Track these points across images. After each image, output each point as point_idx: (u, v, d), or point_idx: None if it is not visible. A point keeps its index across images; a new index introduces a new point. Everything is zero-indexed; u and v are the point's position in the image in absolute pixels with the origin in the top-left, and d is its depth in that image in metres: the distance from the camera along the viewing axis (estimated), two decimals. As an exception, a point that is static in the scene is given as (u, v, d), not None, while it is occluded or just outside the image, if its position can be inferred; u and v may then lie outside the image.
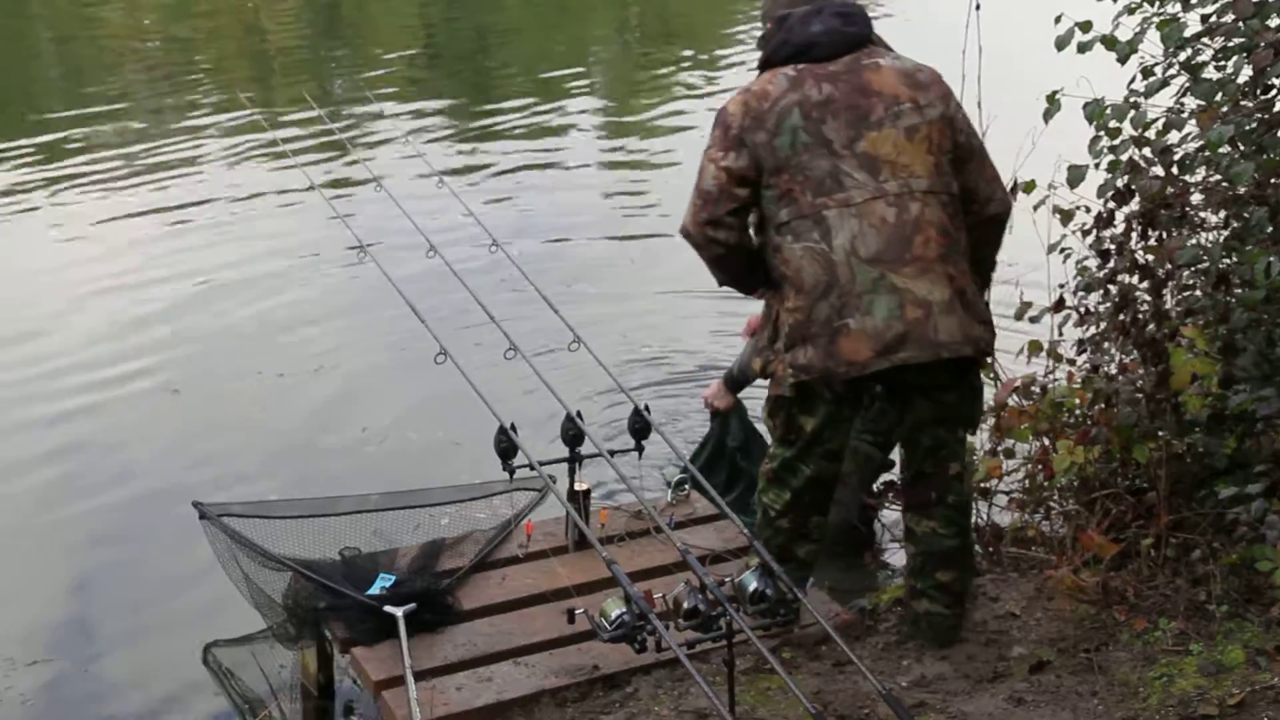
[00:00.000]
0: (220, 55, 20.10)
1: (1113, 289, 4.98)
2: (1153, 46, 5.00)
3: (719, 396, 6.15)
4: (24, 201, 12.02)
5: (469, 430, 6.35)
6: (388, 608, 4.61)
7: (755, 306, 4.76)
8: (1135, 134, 4.93)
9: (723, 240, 4.38)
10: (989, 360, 4.57)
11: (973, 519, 5.03)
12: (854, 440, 5.64)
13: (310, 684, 5.05)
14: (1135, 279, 4.90)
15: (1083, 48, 4.98)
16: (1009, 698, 4.22)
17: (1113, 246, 4.97)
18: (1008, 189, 5.17)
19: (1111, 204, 4.96)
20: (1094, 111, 4.92)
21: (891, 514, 5.79)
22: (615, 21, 24.61)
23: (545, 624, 4.70)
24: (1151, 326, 4.84)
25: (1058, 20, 5.05)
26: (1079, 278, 5.19)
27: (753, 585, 4.04)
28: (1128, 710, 4.09)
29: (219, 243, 10.69)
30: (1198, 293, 5.02)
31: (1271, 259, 4.37)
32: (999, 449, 5.39)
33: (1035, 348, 5.40)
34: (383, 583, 4.79)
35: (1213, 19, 4.95)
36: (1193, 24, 5.00)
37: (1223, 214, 5.02)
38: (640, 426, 5.09)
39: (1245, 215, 4.78)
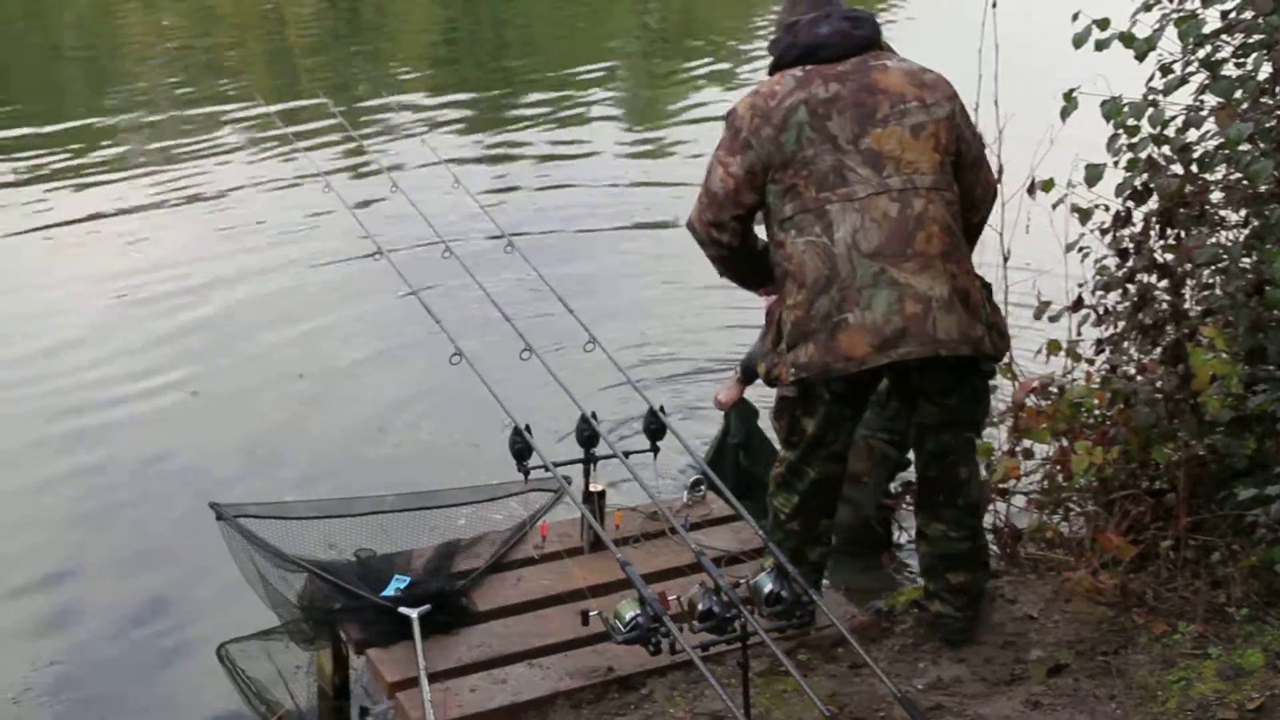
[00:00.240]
0: (241, 57, 20.13)
1: (1131, 288, 4.95)
2: (1171, 44, 4.96)
3: (725, 390, 6.11)
4: (43, 206, 12.02)
5: (486, 431, 6.36)
6: (402, 609, 4.60)
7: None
8: (1154, 132, 4.90)
9: (725, 242, 4.50)
10: (996, 364, 4.51)
11: (989, 520, 5.01)
12: (871, 439, 5.65)
13: (326, 685, 5.04)
14: (1154, 278, 4.86)
15: (1100, 45, 4.94)
16: (1026, 701, 4.19)
17: (1131, 245, 4.93)
18: (1025, 187, 5.18)
19: (1129, 203, 4.93)
20: (1112, 110, 4.88)
21: (909, 514, 5.76)
22: (635, 20, 24.59)
23: (560, 625, 4.68)
24: (1171, 326, 4.81)
25: (1075, 18, 5.01)
26: (1098, 277, 5.16)
27: (768, 587, 4.02)
28: (1146, 714, 4.07)
29: (237, 245, 10.69)
30: (1218, 291, 4.98)
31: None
32: (1017, 449, 5.35)
33: (1054, 347, 5.36)
34: (397, 584, 4.78)
35: (1232, 15, 4.92)
36: (1212, 20, 4.97)
37: (1243, 212, 4.98)
38: (655, 427, 5.06)
39: (1265, 213, 4.74)
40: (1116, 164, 5.00)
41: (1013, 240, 5.37)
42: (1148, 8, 5.06)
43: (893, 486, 5.94)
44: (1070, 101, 4.97)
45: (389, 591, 4.75)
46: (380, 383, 8.07)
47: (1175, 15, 4.98)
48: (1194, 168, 4.84)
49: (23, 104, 16.17)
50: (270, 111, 11.62)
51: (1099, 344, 5.20)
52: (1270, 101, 4.71)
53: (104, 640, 5.67)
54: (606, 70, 18.77)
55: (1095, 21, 4.96)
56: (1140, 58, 4.95)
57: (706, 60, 18.99)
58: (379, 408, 7.74)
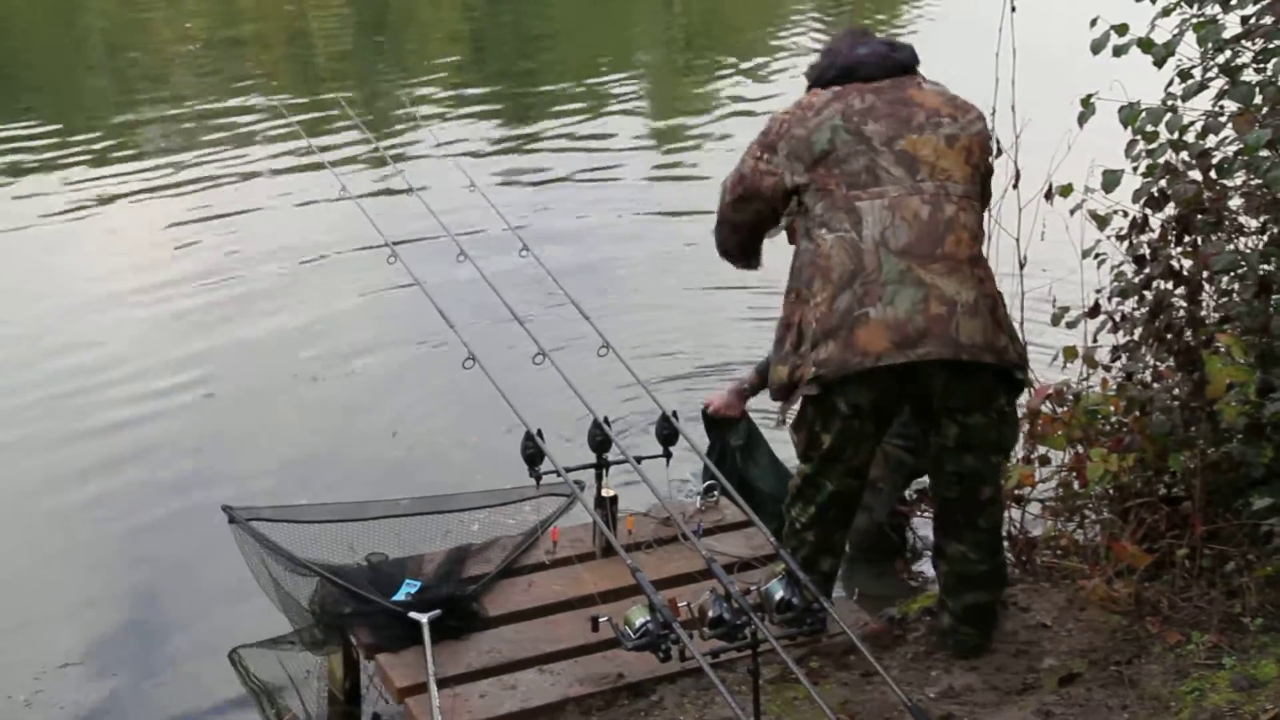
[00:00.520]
0: (263, 60, 20.16)
1: (1148, 295, 4.93)
2: (1190, 49, 4.94)
3: (729, 404, 6.02)
4: (66, 206, 12.06)
5: (500, 435, 6.33)
6: (413, 614, 4.60)
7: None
8: (1172, 138, 4.88)
9: (738, 221, 4.73)
10: (1022, 380, 4.44)
11: (1005, 529, 4.99)
12: (886, 445, 5.63)
13: (337, 690, 5.03)
14: (1170, 285, 4.85)
15: (1118, 51, 4.93)
16: (1037, 710, 4.17)
17: (1148, 252, 4.92)
18: (1043, 193, 5.18)
19: (1147, 209, 4.91)
20: (1129, 116, 4.86)
21: (924, 521, 5.75)
22: (660, 24, 24.58)
23: (571, 631, 4.68)
24: (1188, 333, 4.79)
25: (1093, 23, 5.00)
26: (1115, 283, 5.14)
27: (779, 594, 4.01)
28: (1158, 724, 4.06)
29: (252, 248, 10.70)
30: (1236, 298, 4.96)
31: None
32: (1032, 456, 5.34)
33: (1070, 354, 5.34)
34: (408, 589, 4.79)
35: (1252, 20, 4.90)
36: (1231, 26, 4.95)
37: (1263, 218, 4.96)
38: (668, 433, 5.06)
39: (1284, 220, 4.73)
40: (1136, 170, 4.98)
41: (1029, 246, 5.35)
42: (1166, 13, 5.05)
43: (908, 493, 5.92)
44: (1088, 107, 4.97)
45: (400, 596, 4.75)
46: (394, 386, 8.07)
47: (1194, 20, 4.96)
48: (1213, 174, 4.83)
49: (46, 103, 16.19)
50: (290, 116, 11.66)
51: (1115, 351, 5.18)
52: (1290, 107, 4.68)
53: (115, 642, 5.68)
54: (628, 71, 18.77)
55: (1113, 27, 4.95)
56: (1159, 63, 4.94)
57: (730, 59, 18.97)
58: (393, 411, 7.74)
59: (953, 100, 4.54)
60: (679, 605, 3.90)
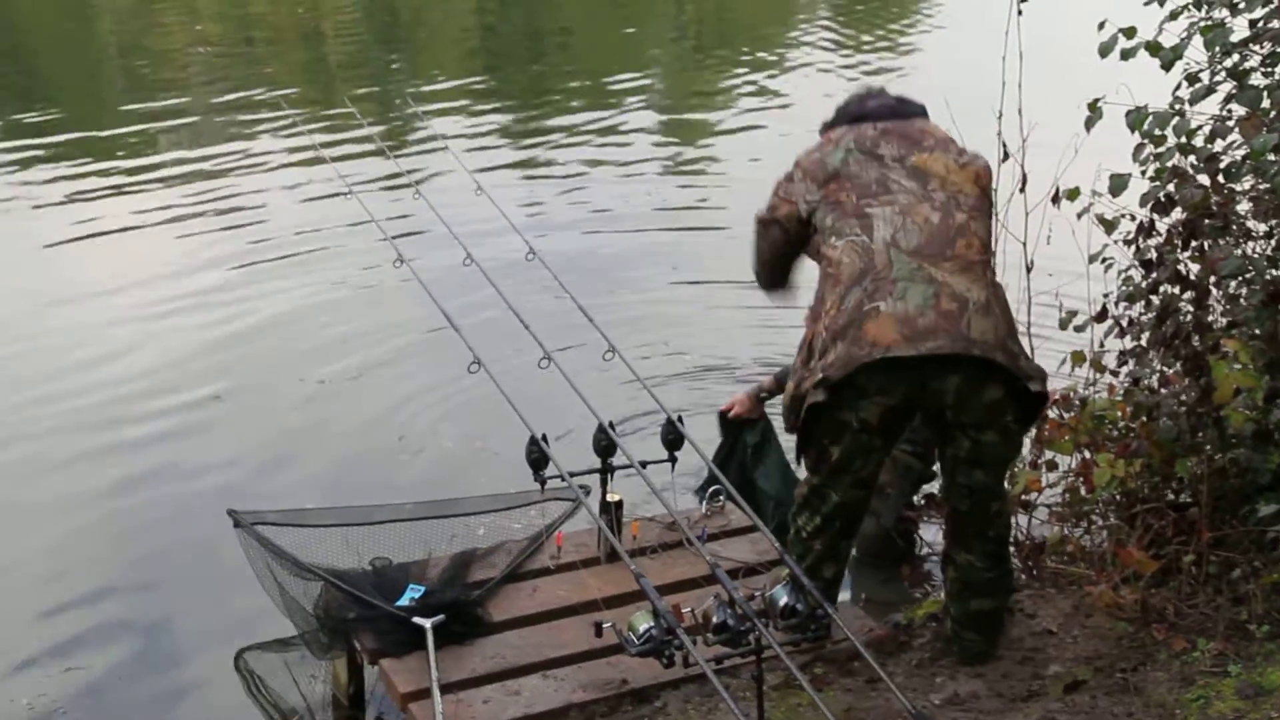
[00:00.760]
0: (275, 62, 20.16)
1: (1155, 300, 4.92)
2: (1198, 53, 4.94)
3: (748, 408, 6.03)
4: (74, 213, 12.08)
5: (507, 439, 6.33)
6: (416, 619, 4.61)
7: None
8: (1180, 141, 4.88)
9: (770, 238, 4.68)
10: (1037, 392, 4.35)
11: (1012, 535, 4.98)
12: (894, 450, 5.61)
13: (341, 694, 5.05)
14: (1178, 290, 4.84)
15: (1126, 54, 4.93)
16: (1042, 718, 4.17)
17: (1155, 256, 4.91)
18: (1050, 196, 5.18)
19: (1154, 213, 4.90)
20: (1136, 120, 4.86)
21: (930, 526, 5.75)
22: (671, 22, 24.58)
23: (575, 636, 4.69)
24: (1195, 339, 4.78)
25: (1101, 26, 5.00)
26: (1123, 287, 5.14)
27: (783, 600, 4.01)
28: (1163, 732, 4.05)
29: (260, 252, 10.71)
30: (1243, 303, 4.95)
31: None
32: (1040, 461, 5.33)
33: (1078, 359, 5.34)
34: (412, 593, 4.79)
35: (1260, 24, 4.89)
36: (1239, 29, 4.94)
37: (1271, 223, 4.96)
38: (673, 437, 5.06)
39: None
40: (1144, 173, 4.98)
41: (1035, 251, 5.35)
42: (1174, 16, 5.05)
43: (916, 499, 5.91)
44: (1095, 111, 4.96)
45: (403, 601, 4.76)
46: (401, 389, 8.07)
47: (1202, 24, 4.95)
48: (1220, 178, 4.82)
49: (62, 109, 16.21)
50: (299, 120, 11.73)
51: (1122, 356, 5.17)
52: (1297, 112, 4.68)
53: (120, 646, 5.67)
54: (640, 71, 18.76)
55: (1121, 30, 4.95)
56: (1167, 67, 4.94)
57: (742, 59, 18.96)
58: (399, 415, 7.74)
59: (959, 143, 4.63)
60: (683, 611, 3.90)
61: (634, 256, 10.61)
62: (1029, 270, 5.41)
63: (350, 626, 4.76)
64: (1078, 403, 5.22)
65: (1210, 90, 4.93)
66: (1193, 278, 4.82)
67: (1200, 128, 4.87)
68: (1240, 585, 4.54)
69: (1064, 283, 5.49)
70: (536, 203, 11.91)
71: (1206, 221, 4.76)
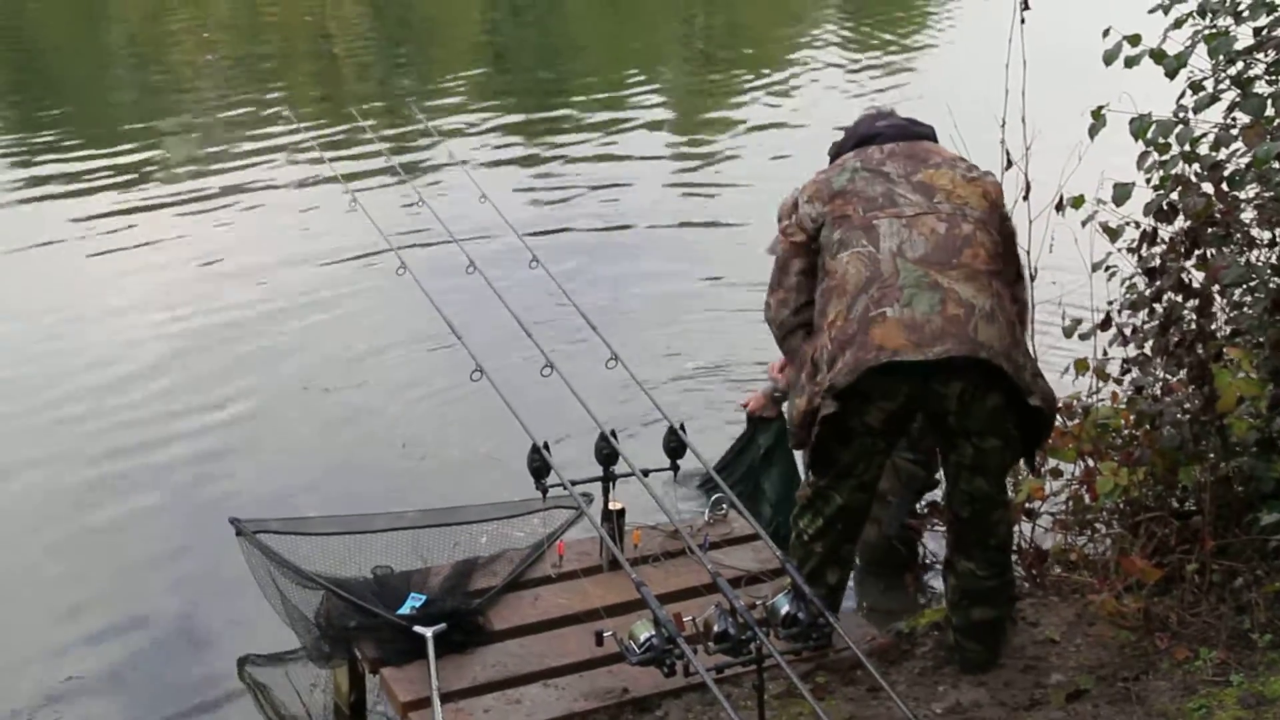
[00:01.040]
0: (283, 72, 20.16)
1: (1158, 308, 4.92)
2: (1202, 61, 4.94)
3: (766, 407, 6.06)
4: (80, 224, 12.09)
5: (510, 447, 6.33)
6: (417, 628, 4.61)
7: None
8: (1183, 149, 4.87)
9: (792, 270, 4.61)
10: (1037, 408, 4.35)
11: (1015, 542, 4.98)
12: (897, 459, 5.63)
13: (343, 703, 5.05)
14: (1181, 298, 4.84)
15: (1130, 62, 4.93)
16: (1044, 727, 4.18)
17: (1158, 264, 4.91)
18: (1054, 204, 5.17)
19: (1157, 221, 4.90)
20: (1140, 128, 4.86)
21: (934, 534, 5.75)
22: (681, 36, 24.56)
23: (576, 645, 4.69)
24: (1198, 347, 4.78)
25: (1106, 34, 5.00)
26: (1127, 295, 5.14)
27: (785, 608, 4.01)
28: (1165, 742, 4.05)
29: (263, 260, 10.72)
30: (1248, 311, 4.95)
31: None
32: (1043, 470, 5.33)
33: (1082, 366, 5.34)
34: (413, 602, 4.80)
35: (1264, 32, 4.89)
36: (1244, 38, 4.94)
37: (1275, 231, 4.95)
38: (676, 445, 5.06)
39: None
40: (1149, 181, 4.97)
41: (1039, 259, 5.34)
42: (1178, 24, 5.05)
43: (919, 506, 5.91)
44: (1099, 119, 4.96)
45: (404, 610, 4.77)
46: (404, 397, 8.09)
47: (1206, 32, 4.96)
48: (1224, 186, 4.82)
49: (72, 121, 16.21)
50: (305, 129, 11.75)
51: (1125, 364, 5.17)
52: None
53: (120, 654, 5.69)
54: (649, 84, 18.74)
55: (1126, 38, 4.95)
56: (1171, 75, 4.94)
57: (751, 73, 18.94)
58: (403, 422, 7.77)
59: (967, 161, 4.65)
60: (684, 620, 3.90)
61: (639, 261, 10.65)
62: (1033, 278, 5.39)
63: (351, 635, 4.76)
64: (1081, 410, 5.23)
65: (1214, 98, 4.94)
66: (1196, 286, 4.82)
67: (1204, 136, 4.87)
68: (1243, 594, 4.54)
69: (1067, 291, 5.48)
70: (543, 209, 11.94)
71: (1210, 230, 4.76)
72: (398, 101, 16.79)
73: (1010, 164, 5.34)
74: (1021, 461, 4.63)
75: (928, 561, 5.86)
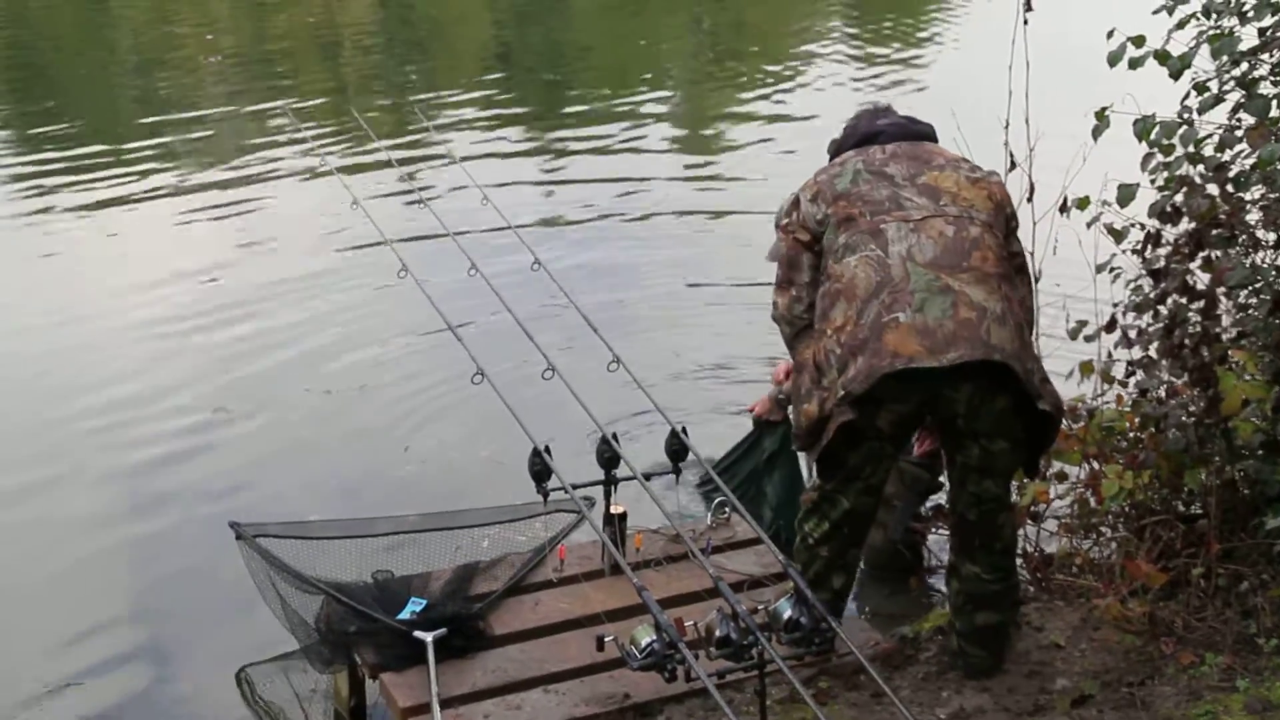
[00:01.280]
0: (287, 73, 20.13)
1: (1163, 310, 4.90)
2: (1206, 62, 4.92)
3: (771, 411, 6.05)
4: (75, 218, 12.11)
5: (512, 450, 6.32)
6: (417, 633, 4.60)
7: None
8: (1188, 151, 4.86)
9: (798, 266, 4.54)
10: (1045, 411, 4.33)
11: (1020, 546, 4.97)
12: (902, 461, 5.61)
13: (343, 709, 5.04)
14: (1185, 300, 4.82)
15: (1134, 63, 4.93)
16: (1049, 732, 4.16)
17: (1163, 266, 4.89)
18: (1058, 206, 5.16)
19: (1161, 223, 4.88)
20: (1144, 129, 4.85)
21: (938, 538, 5.73)
22: (689, 39, 24.52)
23: (577, 650, 4.67)
24: (1203, 349, 4.76)
25: (1110, 35, 4.99)
26: (1132, 297, 5.12)
27: (787, 613, 4.01)
28: (1170, 748, 4.03)
29: (265, 262, 10.70)
30: (1253, 313, 4.93)
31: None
32: (1048, 473, 5.31)
33: (1087, 369, 5.32)
34: (413, 607, 4.78)
35: (1269, 33, 4.88)
36: (1248, 38, 4.93)
37: (1283, 233, 4.94)
38: (678, 448, 5.05)
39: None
40: (1154, 182, 4.96)
41: (1044, 261, 5.33)
42: (1182, 25, 5.04)
43: (923, 509, 5.90)
44: (1102, 120, 4.95)
45: (405, 614, 4.75)
46: (407, 399, 8.07)
47: (1210, 33, 4.94)
48: (1229, 187, 4.80)
49: (72, 122, 16.20)
50: (309, 130, 11.73)
51: (1130, 366, 5.15)
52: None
53: (119, 660, 5.67)
54: (655, 86, 18.71)
55: (1130, 39, 4.94)
56: (1175, 76, 4.93)
57: (759, 77, 18.90)
58: (405, 425, 7.75)
59: (970, 162, 4.63)
60: (685, 625, 3.90)
61: (641, 261, 10.63)
62: (1036, 280, 5.37)
63: (351, 640, 4.76)
64: (1085, 414, 5.21)
65: (1219, 99, 4.93)
66: (1201, 288, 4.80)
67: (1209, 137, 4.86)
68: (1249, 598, 4.52)
69: (1071, 293, 5.47)
70: (546, 210, 11.90)
71: (1214, 231, 4.74)
72: (401, 101, 16.78)
73: (1014, 165, 5.34)
74: (1022, 468, 4.60)
75: (932, 565, 5.85)
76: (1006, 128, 5.37)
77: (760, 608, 4.03)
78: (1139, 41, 4.94)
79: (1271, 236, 4.96)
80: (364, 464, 7.36)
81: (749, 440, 6.11)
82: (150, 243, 11.37)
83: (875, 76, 17.85)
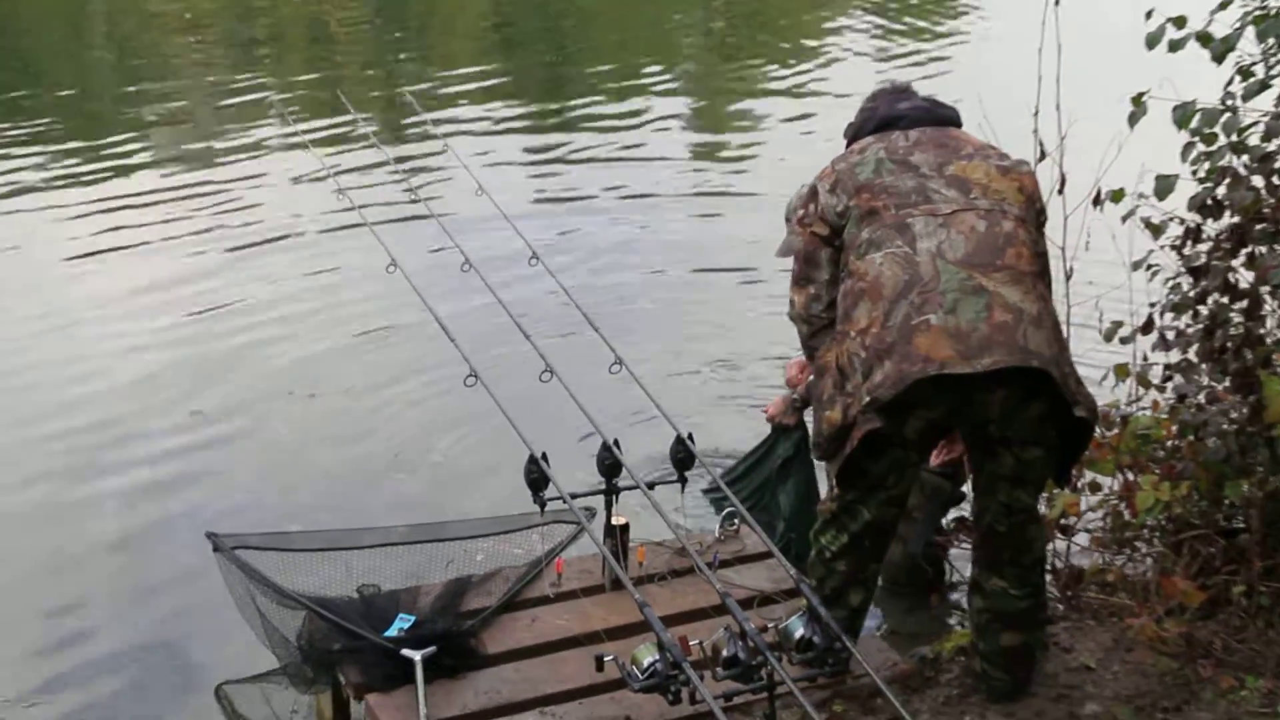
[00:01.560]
0: (275, 58, 20.18)
1: (1203, 310, 4.89)
2: (1251, 45, 4.90)
3: (785, 413, 6.04)
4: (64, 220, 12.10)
5: (507, 457, 6.33)
6: (405, 651, 4.58)
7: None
8: (1231, 140, 4.84)
9: (816, 262, 4.51)
10: (1081, 419, 4.30)
11: (1049, 562, 4.95)
12: (922, 471, 5.59)
13: (325, 731, 5.05)
14: (1227, 299, 4.80)
15: (1174, 46, 4.89)
16: (1078, 760, 4.15)
17: (1202, 262, 4.88)
18: (1090, 198, 5.14)
19: (1201, 217, 4.86)
20: (1184, 116, 4.82)
21: (961, 552, 5.72)
22: (699, 21, 24.55)
23: (576, 671, 4.66)
24: (1246, 352, 4.74)
25: (1148, 16, 4.96)
26: (1170, 296, 5.10)
27: (799, 632, 4.00)
28: (1207, 778, 4.03)
29: (249, 261, 10.72)
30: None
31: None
32: (1079, 484, 5.29)
33: (1122, 372, 5.31)
34: (401, 623, 4.77)
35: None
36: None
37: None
38: (683, 456, 5.03)
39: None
40: (1194, 174, 4.94)
41: (1075, 256, 5.31)
42: (1225, 5, 5.01)
43: (945, 522, 5.89)
44: (1139, 107, 4.92)
45: (392, 631, 4.74)
46: (396, 404, 8.09)
47: (1256, 13, 4.92)
48: (1275, 179, 4.78)
49: (50, 114, 16.22)
50: (295, 118, 11.74)
51: (1167, 370, 5.13)
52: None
53: (97, 678, 5.69)
54: (662, 68, 18.76)
55: (1170, 20, 4.91)
56: (1218, 60, 4.89)
57: (772, 58, 18.95)
58: (396, 430, 7.77)
59: (998, 149, 4.57)
60: (690, 643, 3.90)
61: (644, 258, 10.68)
62: (1068, 278, 5.37)
63: (335, 658, 4.74)
64: (1119, 420, 5.19)
65: (1265, 85, 4.89)
66: (1244, 286, 4.78)
67: (1253, 125, 4.83)
68: (1292, 619, 4.51)
69: (1105, 291, 5.45)
70: (544, 204, 11.95)
71: (1258, 226, 4.72)
72: (393, 88, 16.81)
73: (1044, 155, 5.31)
74: (1052, 478, 4.57)
75: (954, 581, 5.83)
76: (1036, 114, 5.35)
77: (770, 626, 4.03)
78: (1180, 22, 4.90)
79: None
80: (350, 472, 7.37)
81: (764, 447, 6.09)
82: (125, 239, 11.34)
83: (899, 57, 17.88)
